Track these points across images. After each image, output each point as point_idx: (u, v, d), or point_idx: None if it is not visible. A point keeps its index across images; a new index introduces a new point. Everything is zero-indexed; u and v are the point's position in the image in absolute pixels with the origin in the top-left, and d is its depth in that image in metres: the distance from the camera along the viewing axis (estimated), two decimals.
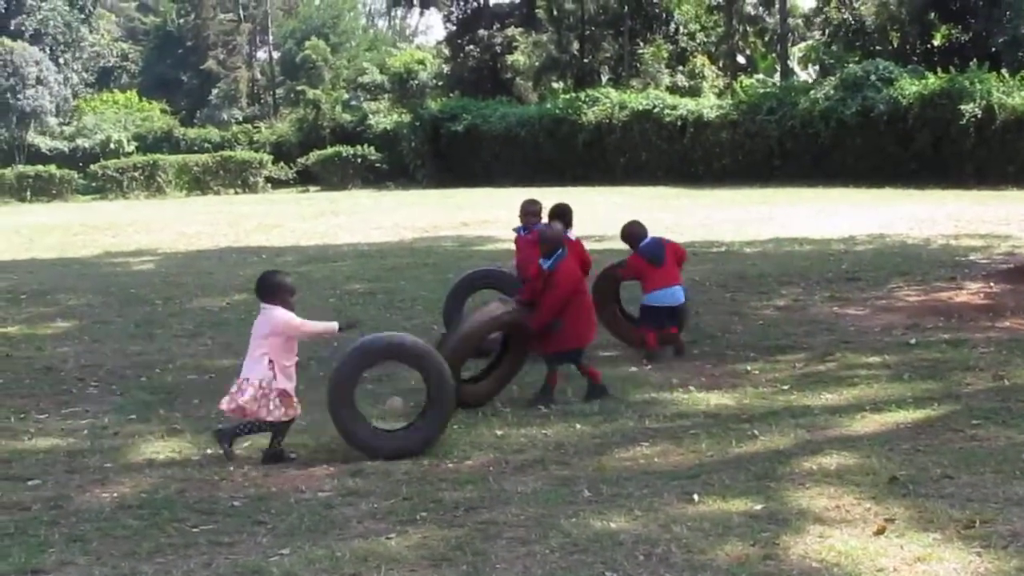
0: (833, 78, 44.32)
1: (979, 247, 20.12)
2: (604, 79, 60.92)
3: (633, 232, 12.26)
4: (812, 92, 43.38)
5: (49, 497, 7.47)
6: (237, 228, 31.36)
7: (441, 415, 8.49)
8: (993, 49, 46.89)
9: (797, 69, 59.12)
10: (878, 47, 53.20)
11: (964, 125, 37.77)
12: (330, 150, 56.99)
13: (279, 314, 8.41)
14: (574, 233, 11.89)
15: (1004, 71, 40.40)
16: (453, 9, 67.48)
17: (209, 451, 8.53)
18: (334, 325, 8.69)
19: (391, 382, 10.63)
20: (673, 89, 55.03)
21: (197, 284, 18.82)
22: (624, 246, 12.47)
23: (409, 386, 10.17)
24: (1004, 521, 6.23)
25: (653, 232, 12.46)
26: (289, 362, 8.40)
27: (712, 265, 18.77)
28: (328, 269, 20.46)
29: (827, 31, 58.14)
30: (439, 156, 52.94)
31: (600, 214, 26.56)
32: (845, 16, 56.03)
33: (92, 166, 57.59)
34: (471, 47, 64.34)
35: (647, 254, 12.06)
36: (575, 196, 32.30)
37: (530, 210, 12.23)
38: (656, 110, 46.60)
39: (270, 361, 8.30)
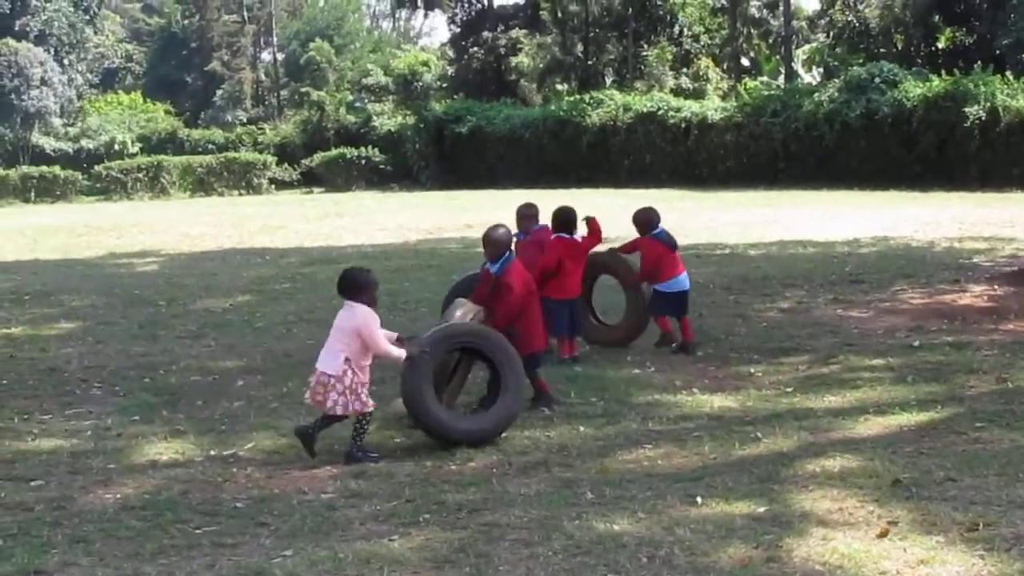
0: (837, 80, 44.35)
1: (983, 250, 20.11)
2: (608, 81, 60.97)
3: (650, 218, 12.46)
4: (816, 94, 43.41)
5: (52, 498, 7.47)
6: (241, 229, 31.38)
7: (515, 401, 8.74)
8: (997, 52, 46.87)
9: (801, 71, 59.15)
10: (882, 49, 53.21)
11: (968, 128, 37.77)
12: (334, 152, 57.06)
13: (361, 317, 8.40)
14: (579, 235, 11.92)
15: (1008, 74, 40.43)
16: (457, 11, 67.57)
17: (212, 452, 8.53)
18: (403, 354, 8.48)
19: (394, 383, 10.62)
20: (677, 91, 55.07)
21: (201, 285, 18.82)
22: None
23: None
24: (1007, 524, 6.22)
25: None
26: (365, 360, 8.44)
27: (716, 267, 18.77)
28: (332, 271, 20.39)
29: (831, 33, 58.15)
30: (443, 158, 52.98)
31: (604, 216, 26.46)
32: (849, 18, 56.05)
33: (96, 167, 57.66)
34: (475, 49, 64.40)
35: (666, 239, 12.30)
36: (579, 198, 32.33)
37: (526, 213, 12.20)
38: (660, 112, 46.63)
39: (347, 359, 8.31)
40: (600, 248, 12.24)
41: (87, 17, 79.00)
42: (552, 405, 9.55)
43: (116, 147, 63.38)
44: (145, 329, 14.54)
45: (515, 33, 63.11)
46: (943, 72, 41.82)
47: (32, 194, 56.01)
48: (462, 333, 8.92)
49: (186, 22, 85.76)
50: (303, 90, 71.55)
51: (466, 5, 67.36)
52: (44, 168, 58.23)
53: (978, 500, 6.66)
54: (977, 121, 37.69)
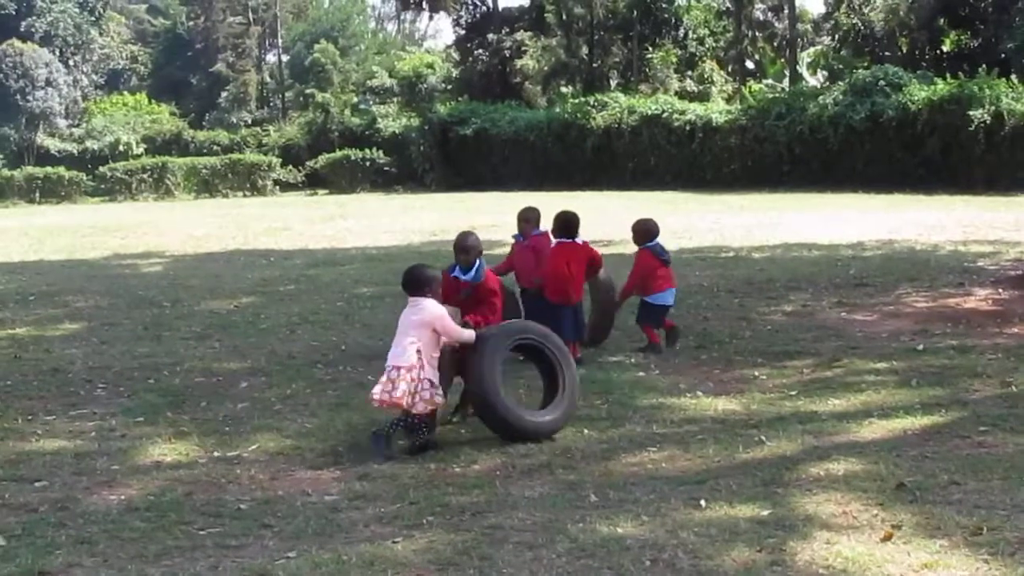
0: (842, 83, 44.35)
1: (988, 253, 20.10)
2: (613, 84, 60.95)
3: (649, 229, 12.55)
4: (821, 97, 43.42)
5: (56, 499, 7.47)
6: (245, 231, 31.41)
7: (573, 400, 8.95)
8: (1002, 55, 46.89)
9: (806, 74, 59.09)
10: (887, 53, 53.25)
11: (973, 131, 37.78)
12: (339, 153, 57.06)
13: (432, 308, 8.56)
14: (581, 238, 11.93)
15: (1013, 77, 40.45)
16: (462, 13, 67.53)
17: (216, 453, 8.53)
18: (472, 334, 8.67)
19: None
20: (682, 94, 55.09)
21: (205, 287, 18.85)
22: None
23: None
24: (1012, 528, 6.22)
25: (661, 237, 12.61)
26: (436, 353, 8.53)
27: (720, 270, 18.77)
28: (336, 272, 20.48)
29: (836, 36, 58.18)
30: (448, 160, 53.02)
31: (609, 219, 26.55)
32: (854, 21, 56.03)
33: (101, 168, 57.71)
34: (480, 51, 64.40)
35: (661, 252, 12.41)
36: (584, 201, 32.39)
37: (527, 217, 12.24)
38: (665, 115, 46.65)
39: (419, 351, 8.38)
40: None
41: (92, 18, 79.13)
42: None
43: (121, 148, 63.39)
44: (149, 330, 14.55)
45: (520, 35, 63.06)
46: (948, 75, 41.83)
47: (37, 195, 56.09)
48: (525, 330, 9.10)
49: (191, 23, 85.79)
50: (308, 92, 71.61)
51: (471, 7, 67.34)
52: (49, 169, 58.31)
53: (982, 504, 6.66)
54: (982, 125, 37.69)
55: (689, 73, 60.88)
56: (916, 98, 39.78)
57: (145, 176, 56.45)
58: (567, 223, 11.80)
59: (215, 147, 64.45)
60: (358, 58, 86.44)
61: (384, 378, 8.42)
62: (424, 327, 8.46)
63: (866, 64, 49.91)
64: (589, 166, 47.75)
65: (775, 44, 62.99)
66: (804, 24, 62.26)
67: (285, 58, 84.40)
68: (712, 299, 15.60)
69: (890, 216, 28.46)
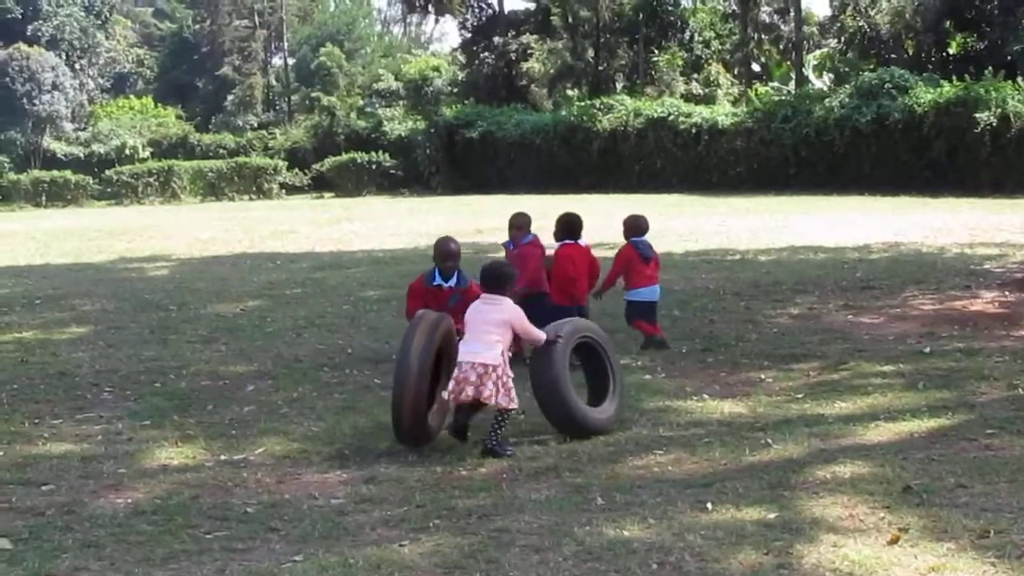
0: (848, 86, 44.35)
1: (994, 256, 20.07)
2: (619, 86, 60.99)
3: (638, 225, 12.62)
4: (827, 100, 43.44)
5: (63, 502, 7.48)
6: (252, 234, 31.44)
7: (623, 398, 9.29)
8: (1008, 57, 46.87)
9: (812, 77, 59.13)
10: (893, 55, 53.22)
11: (979, 133, 37.77)
12: (345, 156, 57.15)
13: (513, 307, 8.66)
14: (584, 240, 11.95)
15: (1020, 79, 40.41)
16: (468, 16, 67.58)
17: (223, 457, 8.53)
18: (544, 335, 8.73)
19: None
20: (688, 97, 55.10)
21: (211, 290, 18.85)
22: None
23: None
24: (1018, 531, 6.21)
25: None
26: (510, 352, 8.66)
27: (727, 273, 18.76)
28: (342, 275, 20.49)
29: (842, 39, 58.16)
30: (454, 163, 53.07)
31: (615, 222, 26.48)
32: (860, 24, 56.01)
33: (107, 172, 57.88)
34: (486, 54, 64.46)
35: (642, 248, 12.45)
36: (590, 203, 32.41)
37: (517, 223, 12.22)
38: (671, 118, 46.68)
39: (502, 350, 8.45)
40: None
41: (99, 22, 79.27)
42: None
43: (127, 152, 63.51)
44: (156, 334, 14.56)
45: (526, 38, 63.13)
46: (954, 78, 41.83)
47: (43, 198, 56.24)
48: (586, 328, 9.29)
49: (197, 27, 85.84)
50: (314, 95, 71.71)
51: (477, 10, 67.40)
52: (55, 173, 58.47)
53: (989, 507, 6.65)
54: (988, 127, 37.67)
55: (695, 76, 60.89)
56: (922, 100, 39.77)
57: (151, 180, 56.57)
58: (570, 225, 11.83)
59: (221, 150, 64.53)
60: (364, 61, 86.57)
61: (464, 375, 8.37)
62: (506, 326, 8.52)
63: (872, 67, 49.92)
64: (595, 169, 47.78)
65: (781, 47, 62.96)
66: (810, 27, 62.26)
67: (291, 61, 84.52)
68: (718, 302, 15.59)
69: (896, 219, 28.45)
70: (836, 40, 60.05)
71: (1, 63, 68.95)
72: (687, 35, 62.68)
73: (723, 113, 47.15)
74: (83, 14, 76.92)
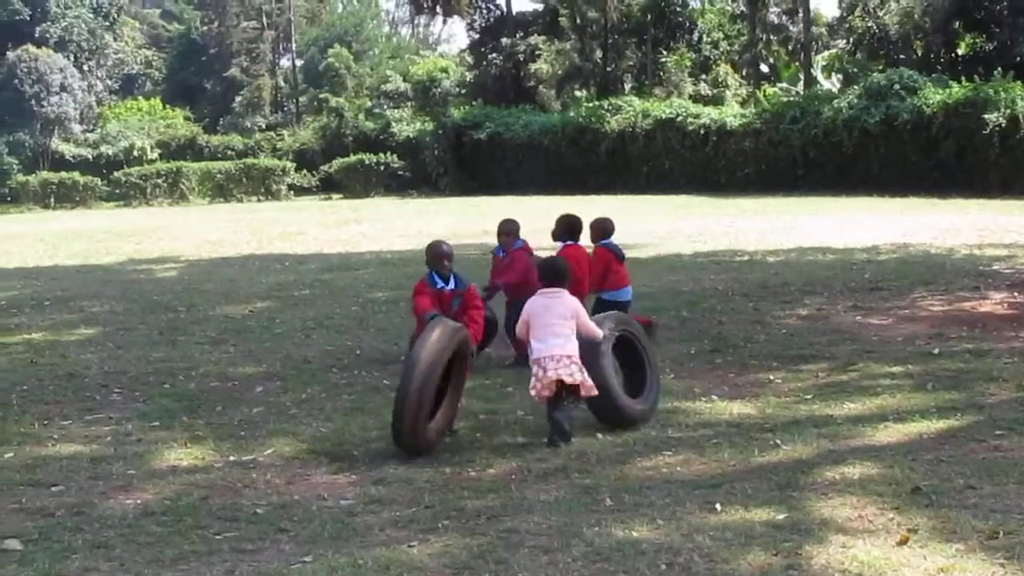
0: (857, 87, 44.27)
1: (1003, 257, 20.05)
2: (627, 87, 60.95)
3: (605, 227, 12.58)
4: (836, 101, 43.38)
5: (73, 503, 7.49)
6: (260, 235, 31.46)
7: (659, 390, 9.59)
8: (1018, 58, 46.78)
9: (821, 78, 59.03)
10: (902, 56, 53.14)
11: (988, 134, 37.70)
12: (353, 158, 57.18)
13: (574, 301, 8.99)
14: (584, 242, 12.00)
15: None
16: (476, 17, 67.57)
17: (232, 458, 8.54)
18: (600, 332, 8.98)
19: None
20: (696, 98, 55.07)
21: (220, 291, 18.87)
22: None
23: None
24: None
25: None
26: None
27: (735, 274, 18.75)
28: (351, 277, 20.50)
29: (851, 40, 58.09)
30: (462, 164, 53.06)
31: (623, 223, 26.50)
32: (869, 25, 55.92)
33: (116, 173, 57.96)
34: (494, 55, 64.45)
35: (616, 249, 12.47)
36: (598, 205, 32.35)
37: (507, 230, 12.25)
38: (679, 119, 46.65)
39: (575, 341, 8.71)
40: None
41: (107, 23, 79.43)
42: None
43: (135, 153, 63.62)
44: (164, 335, 14.58)
45: (534, 39, 63.09)
46: (963, 79, 41.76)
47: (52, 200, 56.33)
48: (626, 322, 9.70)
49: (205, 28, 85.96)
50: (322, 96, 71.74)
51: (485, 11, 67.39)
52: (64, 174, 58.57)
53: (998, 508, 6.65)
54: (997, 128, 37.60)
55: (703, 77, 60.87)
56: (931, 101, 39.71)
57: (160, 181, 56.65)
58: (571, 226, 11.86)
59: (229, 152, 64.62)
60: (372, 62, 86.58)
61: (555, 371, 8.54)
62: (572, 318, 8.76)
63: (881, 67, 49.85)
64: (603, 170, 47.76)
65: (789, 48, 62.92)
66: (819, 27, 62.18)
67: (299, 63, 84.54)
68: (727, 303, 15.58)
69: (905, 220, 28.41)
70: (845, 41, 59.98)
71: (9, 65, 69.17)
72: (695, 36, 62.67)
73: (731, 114, 47.11)
74: (91, 16, 77.07)
